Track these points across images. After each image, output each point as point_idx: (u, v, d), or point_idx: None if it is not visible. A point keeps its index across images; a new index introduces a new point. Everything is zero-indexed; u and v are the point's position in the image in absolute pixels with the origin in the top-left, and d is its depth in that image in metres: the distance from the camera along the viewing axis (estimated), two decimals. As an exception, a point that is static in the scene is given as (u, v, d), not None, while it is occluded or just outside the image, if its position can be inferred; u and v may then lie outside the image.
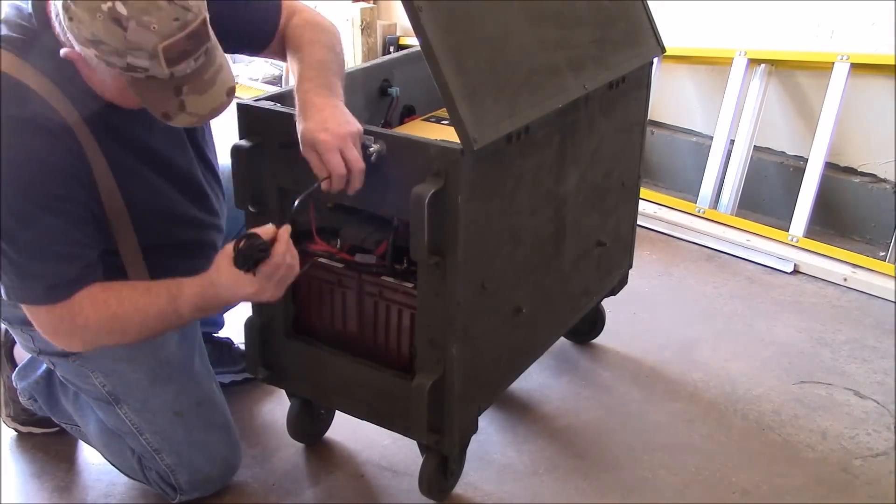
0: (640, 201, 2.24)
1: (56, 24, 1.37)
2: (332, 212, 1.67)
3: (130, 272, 1.59)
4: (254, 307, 1.75)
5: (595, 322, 2.28)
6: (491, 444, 1.95)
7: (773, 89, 2.99)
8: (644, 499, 1.81)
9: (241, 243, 1.42)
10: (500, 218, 1.60)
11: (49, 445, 1.94)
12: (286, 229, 1.47)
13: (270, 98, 1.66)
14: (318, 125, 1.45)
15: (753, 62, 2.97)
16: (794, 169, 2.96)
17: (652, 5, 2.04)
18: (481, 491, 1.82)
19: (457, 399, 1.61)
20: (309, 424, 1.91)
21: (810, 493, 1.83)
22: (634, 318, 2.44)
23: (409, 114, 1.99)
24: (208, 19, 1.34)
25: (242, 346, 1.88)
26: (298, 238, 1.63)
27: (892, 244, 2.71)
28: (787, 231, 2.79)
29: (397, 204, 1.52)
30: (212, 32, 1.36)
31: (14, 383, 1.88)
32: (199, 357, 1.78)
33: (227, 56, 1.44)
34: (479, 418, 1.74)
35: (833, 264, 2.67)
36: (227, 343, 2.13)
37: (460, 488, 1.81)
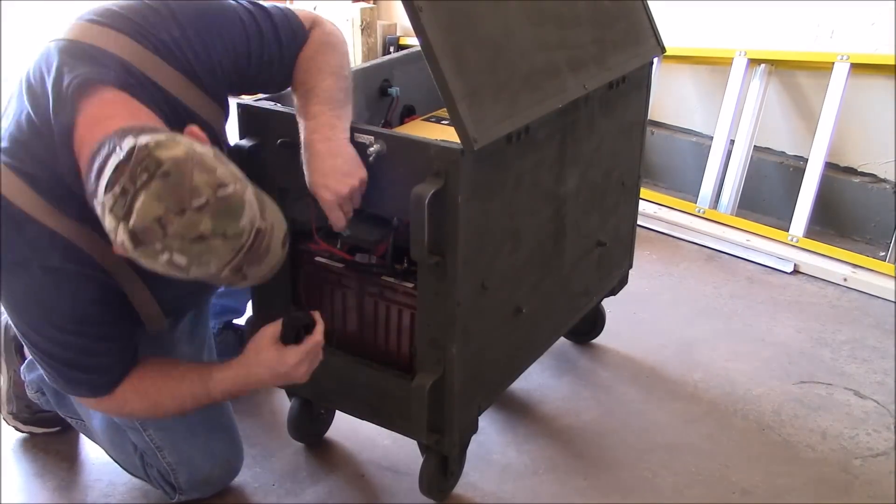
0: (641, 201, 2.24)
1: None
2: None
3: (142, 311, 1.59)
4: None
5: (595, 322, 2.28)
6: (491, 444, 1.95)
7: (773, 89, 2.99)
8: (644, 499, 1.81)
9: (287, 319, 1.55)
10: (500, 218, 1.60)
11: (50, 445, 1.94)
12: (319, 315, 1.57)
13: (270, 98, 1.66)
14: (321, 179, 1.48)
15: (753, 62, 2.97)
16: (794, 169, 2.96)
17: (652, 5, 2.04)
18: (481, 491, 1.82)
19: (457, 399, 1.61)
20: (309, 424, 1.91)
21: (810, 493, 1.83)
22: (634, 318, 2.44)
23: (409, 114, 1.99)
24: (261, 226, 1.30)
25: None
26: (298, 238, 1.63)
27: (892, 244, 2.71)
28: (787, 231, 2.79)
29: (397, 204, 1.52)
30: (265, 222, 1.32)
31: (22, 376, 1.89)
32: (206, 356, 1.79)
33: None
34: (479, 418, 1.74)
35: (833, 264, 2.67)
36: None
37: (460, 488, 1.81)
